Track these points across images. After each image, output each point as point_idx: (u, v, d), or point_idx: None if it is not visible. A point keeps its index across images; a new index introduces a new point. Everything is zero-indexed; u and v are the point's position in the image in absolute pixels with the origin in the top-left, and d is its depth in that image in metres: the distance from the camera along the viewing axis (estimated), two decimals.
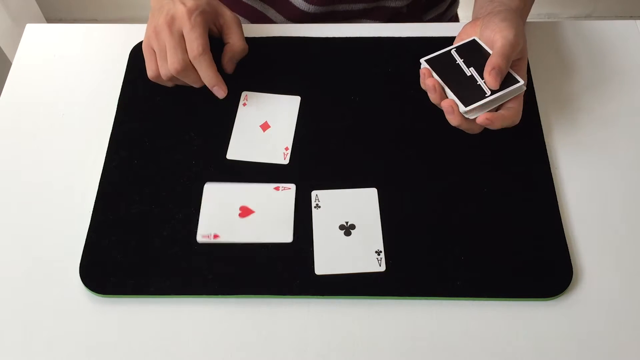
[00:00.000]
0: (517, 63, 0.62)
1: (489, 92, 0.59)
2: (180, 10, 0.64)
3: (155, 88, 0.69)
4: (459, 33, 0.66)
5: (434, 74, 0.62)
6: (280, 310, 0.56)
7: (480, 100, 0.59)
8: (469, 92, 0.60)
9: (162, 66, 0.65)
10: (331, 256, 0.58)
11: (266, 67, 0.71)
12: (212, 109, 0.68)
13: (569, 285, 0.57)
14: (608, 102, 0.69)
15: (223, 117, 0.67)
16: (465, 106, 0.59)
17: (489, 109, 0.60)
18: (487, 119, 0.58)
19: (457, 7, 0.95)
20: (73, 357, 0.55)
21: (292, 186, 0.62)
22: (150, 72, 0.66)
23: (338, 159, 0.64)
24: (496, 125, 0.59)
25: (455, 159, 0.64)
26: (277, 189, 0.62)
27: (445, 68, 0.62)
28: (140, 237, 0.60)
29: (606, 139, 0.66)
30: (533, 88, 0.69)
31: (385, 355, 0.54)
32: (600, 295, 0.57)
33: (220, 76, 0.65)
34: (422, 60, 0.63)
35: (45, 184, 0.64)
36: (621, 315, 0.56)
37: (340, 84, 0.69)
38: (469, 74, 0.61)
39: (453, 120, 0.60)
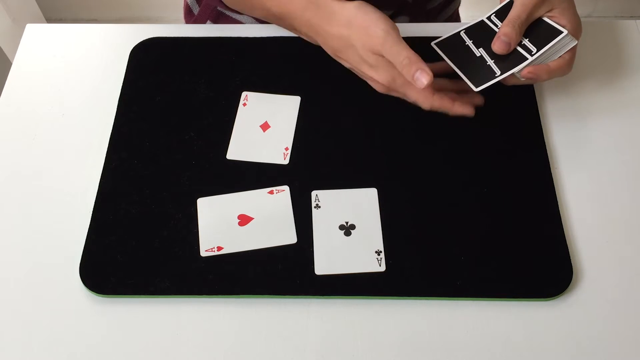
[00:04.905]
0: (553, 14, 0.59)
1: (498, 72, 0.59)
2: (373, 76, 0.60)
3: (155, 88, 0.69)
4: None
5: (444, 57, 0.62)
6: (280, 310, 0.56)
7: (490, 80, 0.59)
8: (479, 72, 0.60)
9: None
10: (331, 256, 0.58)
11: (266, 67, 0.71)
12: (212, 109, 0.68)
13: (569, 285, 0.57)
14: (608, 102, 0.69)
15: (223, 117, 0.67)
16: (476, 87, 0.59)
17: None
18: (529, 72, 0.57)
19: (459, 2, 0.95)
20: (73, 357, 0.55)
21: (286, 187, 0.62)
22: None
23: (338, 159, 0.64)
24: (543, 78, 0.58)
25: (455, 159, 0.64)
26: (271, 192, 0.62)
27: (454, 50, 0.63)
28: (140, 237, 0.60)
29: (606, 139, 0.66)
30: (533, 88, 0.69)
31: (385, 355, 0.54)
32: (600, 295, 0.57)
33: (416, 55, 0.57)
34: (432, 44, 0.64)
35: (45, 184, 0.64)
36: (621, 316, 0.56)
37: (340, 84, 0.69)
38: (478, 54, 0.61)
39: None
